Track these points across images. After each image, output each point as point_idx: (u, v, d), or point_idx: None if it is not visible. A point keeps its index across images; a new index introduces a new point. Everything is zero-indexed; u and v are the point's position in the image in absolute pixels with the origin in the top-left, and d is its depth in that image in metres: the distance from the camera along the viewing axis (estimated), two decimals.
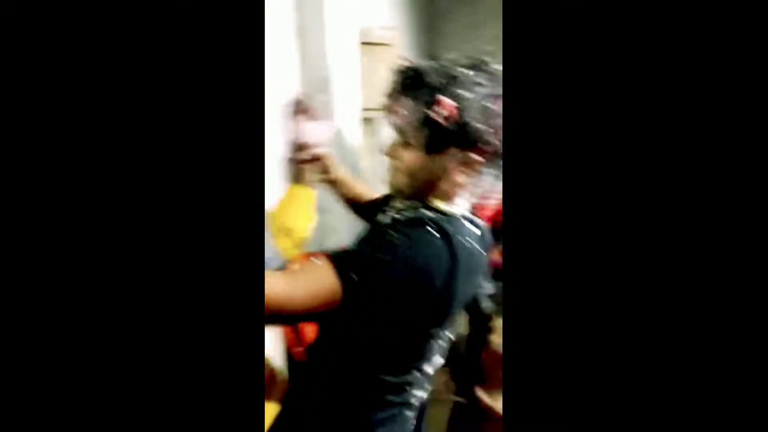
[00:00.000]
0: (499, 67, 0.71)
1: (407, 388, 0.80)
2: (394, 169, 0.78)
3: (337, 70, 1.77)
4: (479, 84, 0.70)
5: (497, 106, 0.71)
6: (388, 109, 0.76)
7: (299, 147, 0.96)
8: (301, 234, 0.96)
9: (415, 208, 0.77)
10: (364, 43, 2.08)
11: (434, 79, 0.70)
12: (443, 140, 0.71)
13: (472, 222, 0.79)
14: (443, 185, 0.76)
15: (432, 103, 0.69)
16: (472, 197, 0.81)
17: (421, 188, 0.77)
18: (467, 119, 0.69)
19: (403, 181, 0.77)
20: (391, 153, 0.78)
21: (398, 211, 0.82)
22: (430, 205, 0.77)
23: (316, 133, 0.95)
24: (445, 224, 0.72)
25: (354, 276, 0.65)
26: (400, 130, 0.74)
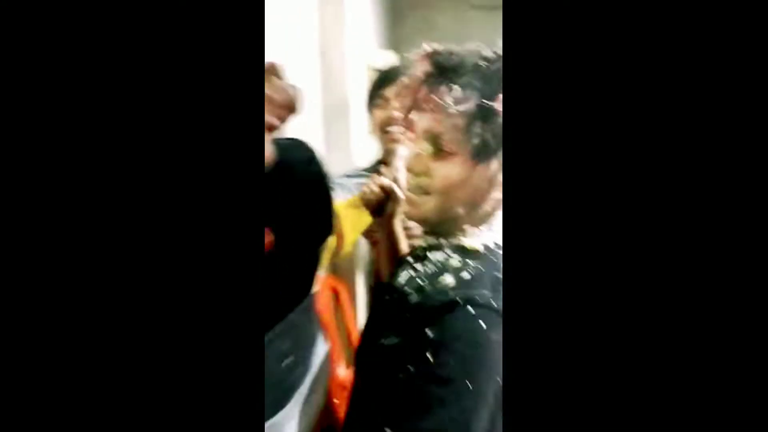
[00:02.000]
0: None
1: None
2: (419, 192, 0.60)
3: (356, 93, 1.76)
4: None
5: None
6: (412, 106, 0.58)
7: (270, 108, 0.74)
8: (346, 249, 0.82)
9: (436, 249, 0.61)
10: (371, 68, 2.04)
11: (487, 64, 0.55)
12: (497, 143, 0.55)
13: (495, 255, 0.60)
14: (485, 206, 0.60)
15: (491, 93, 0.53)
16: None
17: (457, 213, 0.59)
18: None
19: (433, 205, 0.59)
20: (417, 167, 0.59)
21: (412, 280, 0.60)
22: (457, 243, 0.60)
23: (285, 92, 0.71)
24: (483, 292, 0.53)
25: None
26: (432, 133, 0.57)
